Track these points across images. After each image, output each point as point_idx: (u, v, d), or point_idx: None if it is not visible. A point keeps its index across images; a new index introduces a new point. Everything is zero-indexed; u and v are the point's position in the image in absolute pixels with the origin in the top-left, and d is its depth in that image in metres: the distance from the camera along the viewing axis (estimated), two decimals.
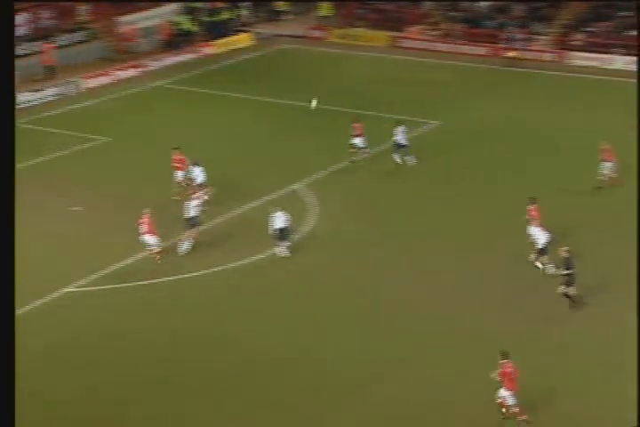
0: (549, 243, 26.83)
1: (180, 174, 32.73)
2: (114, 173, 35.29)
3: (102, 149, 37.76)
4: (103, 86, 46.70)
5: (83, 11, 50.85)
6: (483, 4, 56.28)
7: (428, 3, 57.15)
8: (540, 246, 26.84)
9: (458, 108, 42.86)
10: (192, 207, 29.22)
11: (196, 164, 32.18)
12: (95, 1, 51.09)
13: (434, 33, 55.04)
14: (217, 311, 25.97)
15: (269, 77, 48.83)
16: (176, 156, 32.85)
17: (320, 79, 48.32)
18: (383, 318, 25.21)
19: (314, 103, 35.72)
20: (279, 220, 28.53)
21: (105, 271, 27.87)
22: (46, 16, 49.01)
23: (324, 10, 58.11)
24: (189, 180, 32.30)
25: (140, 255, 28.82)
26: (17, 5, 47.39)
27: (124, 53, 50.99)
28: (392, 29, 55.46)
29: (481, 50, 52.45)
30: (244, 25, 57.37)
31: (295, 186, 34.08)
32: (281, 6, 59.75)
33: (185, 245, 29.03)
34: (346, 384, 22.42)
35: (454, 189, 33.65)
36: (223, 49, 53.72)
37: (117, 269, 28.03)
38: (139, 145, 38.42)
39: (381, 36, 55.09)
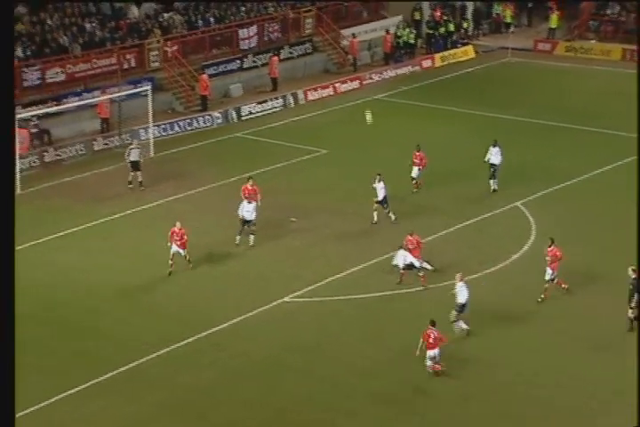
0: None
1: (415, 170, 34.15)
2: (329, 184, 35.88)
3: (320, 161, 38.45)
4: (323, 99, 47.61)
5: (308, 23, 52.07)
6: None
7: None
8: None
9: None
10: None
11: None
12: (318, 14, 52.16)
13: None
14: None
15: (491, 91, 48.35)
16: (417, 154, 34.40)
17: (544, 93, 47.43)
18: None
19: (368, 117, 34.37)
20: (462, 293, 25.64)
21: (322, 282, 28.36)
22: (274, 29, 50.46)
23: (554, 22, 56.98)
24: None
25: (356, 267, 29.18)
26: (248, 19, 49.24)
27: (345, 66, 51.84)
28: (627, 42, 53.70)
29: None
30: (466, 38, 57.13)
31: (517, 203, 33.74)
32: (507, 18, 59.07)
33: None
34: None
35: None
36: (445, 62, 53.68)
37: (334, 280, 28.47)
38: (355, 157, 38.87)
39: (615, 49, 53.48)
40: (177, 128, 42.51)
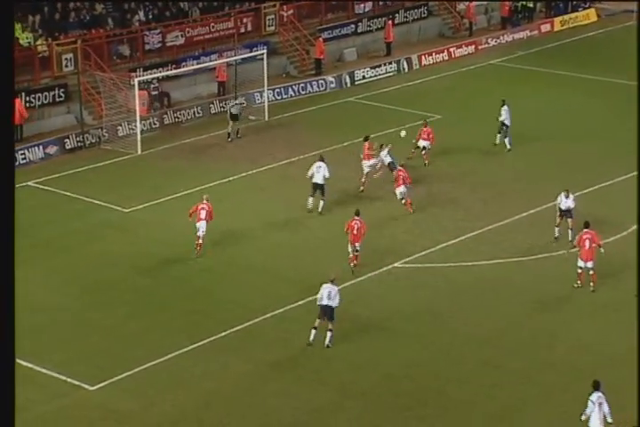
0: None
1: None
2: (444, 149, 35.99)
3: (434, 126, 38.41)
4: (437, 64, 47.51)
5: None
6: None
7: None
8: None
9: None
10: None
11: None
12: None
13: None
14: (543, 298, 26.04)
15: (611, 56, 47.52)
16: None
17: None
18: None
19: (403, 133, 34.93)
20: None
21: (434, 248, 28.69)
22: None
23: None
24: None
25: (470, 234, 29.44)
26: None
27: (461, 30, 51.55)
28: None
29: None
30: (588, 0, 56.01)
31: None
32: None
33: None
34: None
35: None
36: (565, 26, 52.84)
37: (447, 247, 28.77)
38: (469, 123, 38.85)
39: None
40: (291, 92, 43.05)
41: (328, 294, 23.52)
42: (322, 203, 30.85)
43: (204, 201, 28.43)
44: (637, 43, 41.78)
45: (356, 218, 27.59)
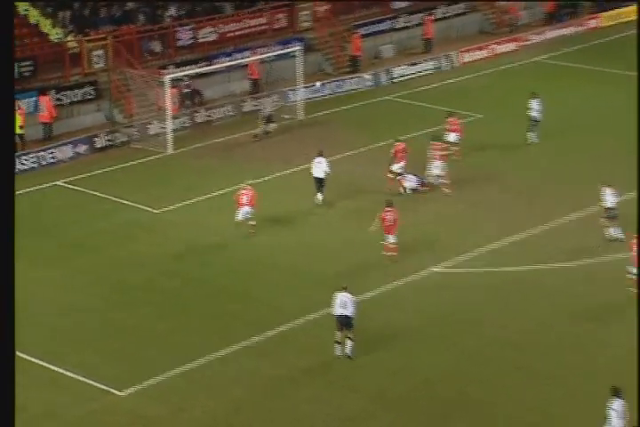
0: None
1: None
2: (485, 150, 35.94)
3: (474, 126, 38.42)
4: (479, 61, 47.44)
5: None
6: None
7: None
8: None
9: None
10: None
11: None
12: None
13: None
14: (581, 307, 25.95)
15: None
16: None
17: None
18: None
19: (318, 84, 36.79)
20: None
21: (474, 252, 28.68)
22: None
23: None
24: None
25: (513, 238, 29.40)
26: None
27: (503, 26, 51.42)
28: None
29: None
30: None
31: None
32: None
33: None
34: None
35: None
36: (613, 22, 52.55)
37: (486, 251, 28.74)
38: (511, 122, 38.71)
39: None
40: (326, 90, 43.17)
41: (342, 304, 23.30)
42: (319, 196, 31.78)
43: (247, 186, 29.50)
44: (637, 43, 42.97)
45: (389, 209, 27.81)
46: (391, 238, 28.00)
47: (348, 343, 23.39)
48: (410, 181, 32.81)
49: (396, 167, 32.84)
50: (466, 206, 31.83)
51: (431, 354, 23.89)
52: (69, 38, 39.55)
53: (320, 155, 32.24)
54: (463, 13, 51.13)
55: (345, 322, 23.34)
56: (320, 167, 31.87)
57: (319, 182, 31.98)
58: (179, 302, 26.15)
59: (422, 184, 32.88)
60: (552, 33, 50.92)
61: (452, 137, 35.12)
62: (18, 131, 35.19)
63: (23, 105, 36.07)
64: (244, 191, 29.58)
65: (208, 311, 25.73)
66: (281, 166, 35.11)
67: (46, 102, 36.83)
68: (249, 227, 29.63)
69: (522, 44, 49.49)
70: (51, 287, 26.85)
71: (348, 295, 23.44)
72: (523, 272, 27.72)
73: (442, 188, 32.44)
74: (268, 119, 37.87)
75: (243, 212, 29.47)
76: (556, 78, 44.52)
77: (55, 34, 39.51)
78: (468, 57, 47.56)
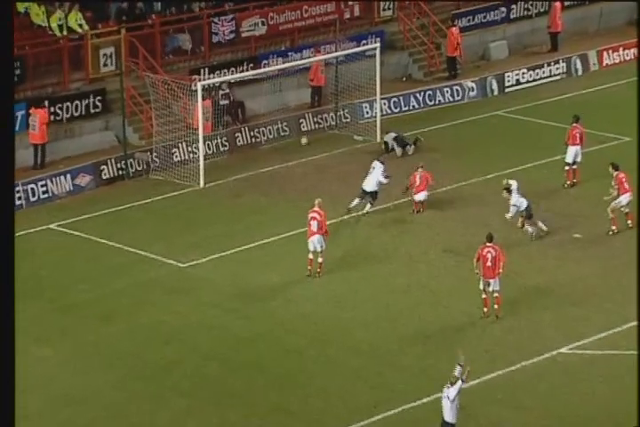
0: None
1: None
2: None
3: (620, 152, 38.12)
4: (626, 63, 47.57)
5: None
6: None
7: None
8: None
9: None
10: None
11: None
12: None
13: None
14: None
15: None
16: None
17: None
18: None
19: (304, 141, 39.46)
20: None
21: (619, 329, 28.62)
22: None
23: None
24: None
25: None
26: None
27: None
28: None
29: None
30: None
31: None
32: None
33: None
34: None
35: None
36: None
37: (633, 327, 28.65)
38: None
39: None
40: (414, 103, 43.47)
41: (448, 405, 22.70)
42: (368, 206, 34.41)
43: (316, 208, 30.52)
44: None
45: (489, 244, 28.08)
46: (491, 284, 28.27)
47: None
48: None
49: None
50: (607, 263, 31.81)
51: None
52: (67, 33, 39.85)
53: (380, 160, 34.50)
54: None
55: None
56: (373, 175, 33.87)
57: (367, 194, 34.15)
58: (218, 392, 26.12)
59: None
60: None
61: (571, 150, 35.99)
62: None
63: None
64: (312, 215, 30.51)
65: (256, 405, 25.69)
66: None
67: (39, 117, 37.14)
68: (316, 266, 30.55)
69: None
70: (49, 369, 27.04)
71: (455, 388, 22.85)
72: None
73: (627, 219, 33.27)
74: (400, 142, 39.10)
75: (314, 242, 30.43)
76: None
77: (56, 20, 39.42)
78: (610, 58, 47.64)
